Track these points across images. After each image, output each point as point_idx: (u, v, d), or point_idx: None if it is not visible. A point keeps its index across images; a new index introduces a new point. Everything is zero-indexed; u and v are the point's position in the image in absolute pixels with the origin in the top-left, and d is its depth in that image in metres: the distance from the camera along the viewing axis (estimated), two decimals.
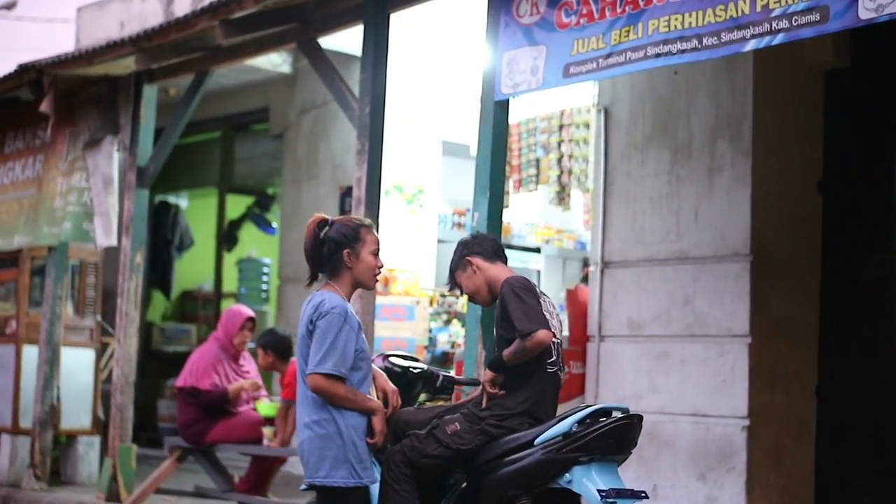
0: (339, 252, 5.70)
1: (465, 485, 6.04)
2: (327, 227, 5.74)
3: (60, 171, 10.94)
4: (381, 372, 6.27)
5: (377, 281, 5.92)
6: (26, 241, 11.37)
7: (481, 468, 5.90)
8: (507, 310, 5.99)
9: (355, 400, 5.61)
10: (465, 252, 6.31)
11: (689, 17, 6.62)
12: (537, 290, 6.16)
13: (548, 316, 6.03)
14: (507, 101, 7.77)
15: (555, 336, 6.03)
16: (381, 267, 5.84)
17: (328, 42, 9.42)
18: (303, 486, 5.85)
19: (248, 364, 9.96)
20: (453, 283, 6.40)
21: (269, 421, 9.51)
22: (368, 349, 5.85)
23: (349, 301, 5.76)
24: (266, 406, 9.55)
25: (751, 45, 6.38)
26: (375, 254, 5.79)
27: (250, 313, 9.92)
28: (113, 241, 10.33)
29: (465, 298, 6.90)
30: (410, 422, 6.15)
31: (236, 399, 9.58)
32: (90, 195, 10.52)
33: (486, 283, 6.26)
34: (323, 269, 5.78)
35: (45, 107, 10.43)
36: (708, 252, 8.93)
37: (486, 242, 6.37)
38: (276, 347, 9.48)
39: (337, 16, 8.79)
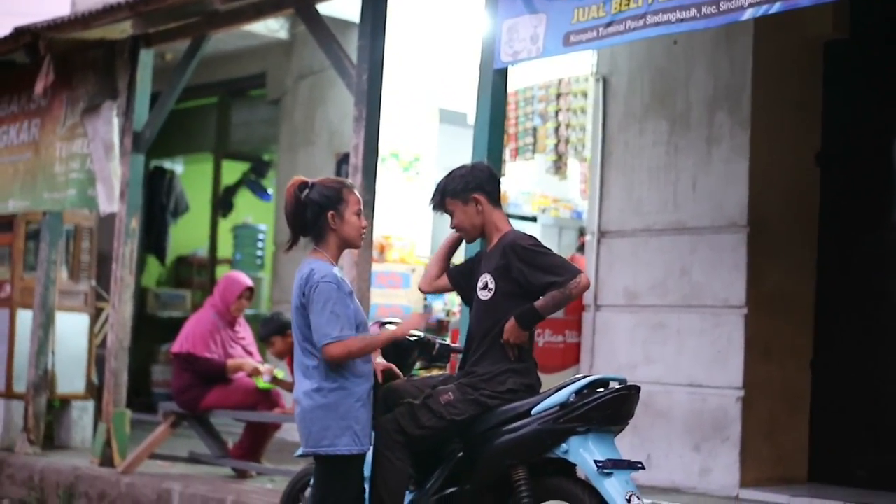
0: (323, 214, 5.64)
1: (460, 454, 6.03)
2: (308, 190, 5.68)
3: (59, 136, 10.90)
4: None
5: (362, 239, 5.86)
6: (24, 205, 11.33)
7: (477, 438, 5.89)
8: (536, 263, 5.90)
9: (373, 342, 5.74)
10: (475, 187, 6.14)
11: None
12: None
13: None
14: (506, 69, 7.73)
15: None
16: (366, 227, 5.81)
17: (326, 8, 9.36)
18: (299, 453, 5.83)
19: (244, 330, 9.95)
20: (443, 206, 6.24)
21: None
22: (364, 315, 5.82)
23: (337, 262, 5.75)
24: (264, 381, 9.55)
25: (748, 14, 6.34)
26: (359, 214, 5.73)
27: (249, 283, 9.90)
28: (115, 208, 10.29)
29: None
30: (402, 393, 6.12)
31: (234, 375, 9.59)
32: (92, 161, 10.49)
33: (483, 224, 6.17)
34: (307, 233, 5.73)
35: (39, 89, 10.41)
36: (705, 223, 8.93)
37: (495, 183, 6.21)
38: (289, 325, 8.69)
39: None
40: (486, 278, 6.05)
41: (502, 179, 6.59)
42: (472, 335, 6.13)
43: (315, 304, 5.54)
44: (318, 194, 5.64)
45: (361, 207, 5.75)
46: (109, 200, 10.27)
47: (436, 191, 6.29)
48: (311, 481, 5.94)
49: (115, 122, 10.35)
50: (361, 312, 5.75)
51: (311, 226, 5.68)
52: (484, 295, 6.06)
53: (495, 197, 6.19)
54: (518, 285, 5.94)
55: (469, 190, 6.14)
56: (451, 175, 6.27)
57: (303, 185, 5.67)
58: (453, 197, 6.17)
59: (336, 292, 5.54)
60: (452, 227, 6.29)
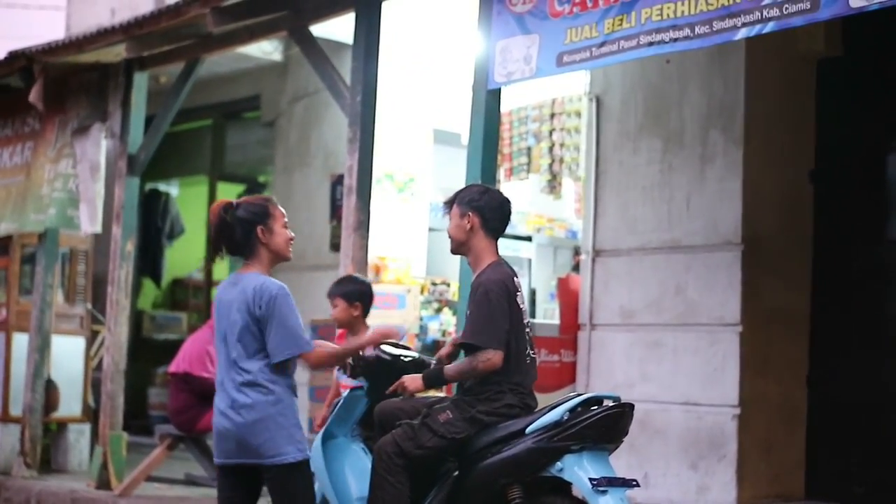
0: (253, 230, 5.72)
1: (456, 473, 6.03)
2: (234, 209, 5.75)
3: (48, 157, 10.91)
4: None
5: (290, 251, 5.92)
6: (13, 227, 11.33)
7: (473, 457, 5.89)
8: (471, 311, 5.98)
9: (347, 349, 6.05)
10: (476, 206, 6.19)
11: (682, 5, 6.61)
12: (514, 282, 6.10)
13: (522, 307, 6.05)
14: (500, 89, 7.75)
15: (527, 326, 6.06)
16: (293, 238, 5.89)
17: (320, 30, 9.39)
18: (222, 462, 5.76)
19: None
20: (449, 207, 6.30)
21: None
22: None
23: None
24: None
25: (742, 34, 6.37)
26: (285, 226, 5.84)
27: None
28: (98, 228, 10.30)
29: (456, 287, 6.85)
30: (397, 414, 6.13)
31: None
32: (76, 182, 10.50)
33: (466, 242, 6.19)
34: (237, 251, 5.79)
35: (33, 97, 10.40)
36: (700, 241, 8.94)
37: (498, 215, 6.23)
38: (364, 298, 7.66)
39: (328, 3, 8.77)
40: (468, 309, 6.13)
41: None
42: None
43: (278, 316, 5.61)
44: (245, 212, 5.74)
45: (286, 219, 5.86)
46: (92, 221, 10.28)
47: (455, 192, 6.38)
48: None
49: (104, 143, 10.37)
50: None
51: (243, 243, 5.75)
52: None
53: (492, 226, 6.18)
54: None
55: (470, 205, 6.17)
56: (470, 187, 6.41)
57: (227, 206, 5.76)
58: (458, 204, 6.22)
59: (293, 303, 5.69)
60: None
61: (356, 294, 7.49)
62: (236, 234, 5.72)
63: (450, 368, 6.03)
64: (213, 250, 5.84)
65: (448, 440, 5.92)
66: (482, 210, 6.16)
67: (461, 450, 5.95)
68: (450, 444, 5.93)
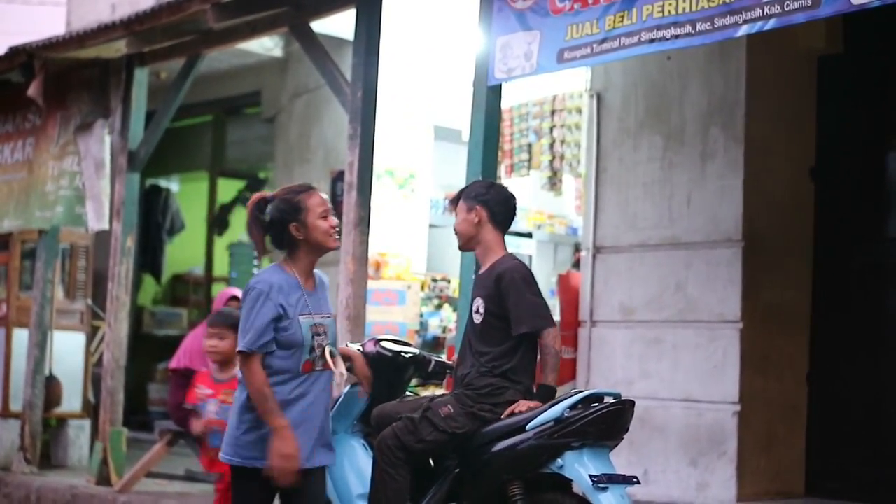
0: (286, 229, 5.48)
1: (457, 470, 6.03)
2: (268, 206, 5.54)
3: (52, 154, 10.91)
4: (360, 355, 6.29)
5: (338, 240, 5.62)
6: (17, 224, 11.34)
7: (473, 453, 5.90)
8: (514, 297, 5.99)
9: (265, 400, 5.30)
10: (483, 200, 6.22)
11: (683, 2, 6.60)
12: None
13: None
14: (500, 86, 7.75)
15: None
16: (336, 226, 5.55)
17: (320, 26, 9.39)
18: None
19: None
20: (454, 204, 6.34)
21: None
22: (302, 336, 5.45)
23: (312, 268, 5.57)
24: None
25: (743, 31, 6.37)
26: (325, 216, 5.51)
27: (236, 292, 9.94)
28: (105, 225, 10.30)
29: (456, 283, 6.87)
30: (394, 416, 6.13)
31: None
32: (82, 179, 10.50)
33: (475, 236, 6.21)
34: (281, 247, 5.57)
35: (32, 91, 10.39)
36: (700, 238, 8.93)
37: (505, 209, 6.28)
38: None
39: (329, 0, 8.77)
40: (478, 302, 6.11)
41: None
42: (464, 353, 6.17)
43: (242, 309, 5.43)
44: (275, 211, 5.51)
45: (327, 207, 5.54)
46: (99, 218, 10.28)
47: (460, 189, 6.39)
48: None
49: (107, 140, 10.37)
50: (299, 333, 5.42)
51: (279, 241, 5.55)
52: (476, 318, 6.11)
53: (499, 220, 6.23)
54: (507, 311, 6.00)
55: (477, 199, 6.19)
56: (476, 183, 6.46)
57: (261, 204, 5.57)
58: (465, 199, 6.24)
59: (260, 300, 5.35)
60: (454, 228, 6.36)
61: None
62: (272, 233, 5.54)
63: (552, 376, 5.99)
64: (256, 248, 5.67)
65: (448, 435, 5.92)
66: (489, 203, 6.20)
67: (462, 446, 5.95)
68: (450, 439, 5.94)
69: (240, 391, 5.45)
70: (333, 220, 5.54)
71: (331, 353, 5.48)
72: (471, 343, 6.13)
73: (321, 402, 5.49)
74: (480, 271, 6.26)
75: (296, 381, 5.39)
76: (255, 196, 5.62)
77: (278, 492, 5.46)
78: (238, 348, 5.36)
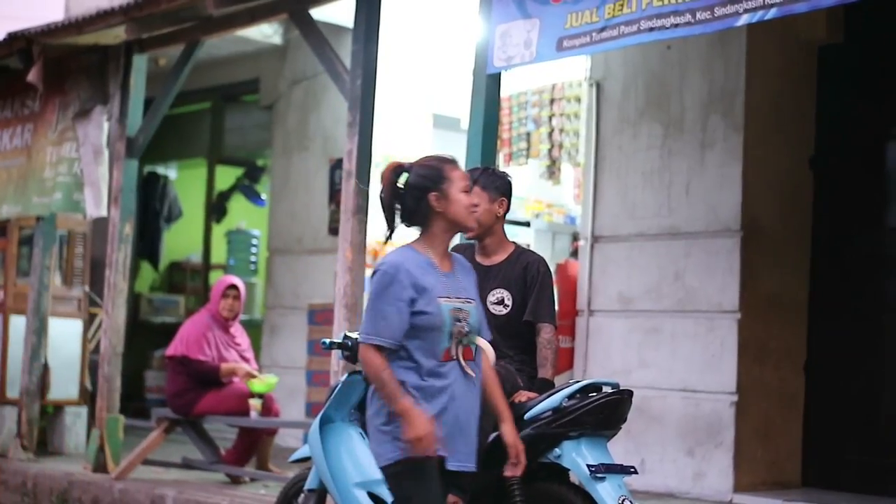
0: (424, 198, 5.02)
1: None
2: (406, 173, 5.10)
3: (50, 140, 10.88)
4: (490, 349, 5.67)
5: (475, 219, 5.23)
6: (15, 211, 11.31)
7: None
8: (538, 291, 6.08)
9: (385, 385, 4.91)
10: (505, 192, 6.26)
11: None
12: None
13: None
14: (500, 74, 7.73)
15: None
16: (477, 205, 5.20)
17: (320, 13, 9.36)
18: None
19: (241, 336, 9.96)
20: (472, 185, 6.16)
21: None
22: (443, 316, 5.02)
23: (447, 249, 5.16)
24: (258, 384, 9.54)
25: (743, 20, 6.33)
26: (466, 191, 5.09)
27: (234, 280, 9.93)
28: (103, 212, 10.28)
29: None
30: None
31: (227, 379, 9.60)
32: (80, 165, 10.48)
33: (492, 227, 6.20)
34: (413, 222, 5.10)
35: (32, 77, 10.36)
36: (699, 227, 8.93)
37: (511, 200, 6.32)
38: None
39: None
40: (501, 294, 6.10)
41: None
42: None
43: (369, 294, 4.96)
44: (416, 177, 5.05)
45: (468, 184, 5.16)
46: (97, 205, 10.26)
47: (476, 170, 6.38)
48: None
49: (106, 126, 10.34)
50: (438, 318, 4.98)
51: (414, 212, 5.06)
52: (499, 310, 6.09)
53: (507, 213, 6.29)
54: (526, 301, 6.07)
55: (499, 191, 6.24)
56: (491, 171, 6.40)
57: (399, 169, 5.11)
58: (488, 190, 6.22)
59: (389, 286, 4.94)
60: None
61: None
62: (407, 202, 5.07)
63: (550, 371, 6.04)
64: (387, 221, 5.15)
65: None
66: (509, 197, 6.26)
67: None
68: None
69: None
70: (474, 198, 5.17)
71: (472, 342, 5.11)
72: (498, 337, 6.05)
73: (468, 399, 5.10)
74: (488, 262, 6.22)
75: (436, 371, 5.01)
76: (392, 162, 5.18)
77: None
78: (360, 339, 5.00)
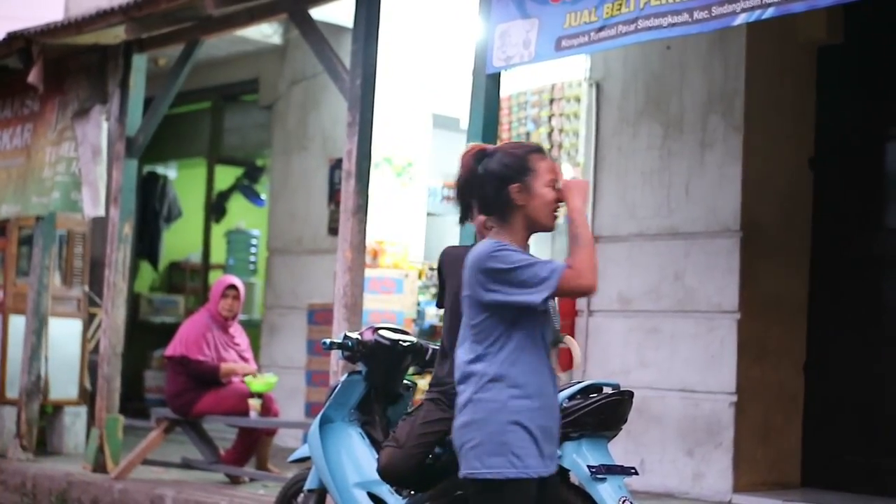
0: (504, 188, 4.53)
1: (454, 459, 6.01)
2: (487, 159, 4.62)
3: (49, 140, 10.88)
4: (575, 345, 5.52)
5: (556, 219, 4.67)
6: (15, 210, 11.31)
7: None
8: None
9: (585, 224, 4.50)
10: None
11: None
12: None
13: None
14: (499, 74, 7.72)
15: None
16: (561, 202, 4.59)
17: (319, 13, 9.36)
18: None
19: (240, 336, 9.96)
20: None
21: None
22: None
23: (527, 245, 4.67)
24: (257, 383, 9.54)
25: (741, 19, 6.32)
26: (552, 186, 4.58)
27: (233, 280, 9.93)
28: (101, 212, 10.28)
29: None
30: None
31: (226, 379, 9.61)
32: (78, 165, 10.48)
33: None
34: (491, 212, 4.61)
35: (32, 78, 10.36)
36: (699, 227, 8.93)
37: None
38: None
39: None
40: None
41: None
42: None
43: (500, 271, 4.43)
44: (498, 163, 4.56)
45: (556, 178, 4.61)
46: (95, 204, 10.26)
47: None
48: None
49: (104, 126, 10.34)
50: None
51: (493, 202, 4.58)
52: None
53: None
54: None
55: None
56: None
57: (481, 153, 4.64)
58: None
59: (520, 254, 4.46)
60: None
61: None
62: (486, 191, 4.59)
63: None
64: (460, 209, 4.75)
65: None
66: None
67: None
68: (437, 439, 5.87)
69: (464, 388, 4.54)
70: (559, 193, 4.62)
71: (560, 339, 4.76)
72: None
73: (554, 397, 4.74)
74: None
75: (540, 362, 4.61)
76: (474, 146, 4.76)
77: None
78: (556, 276, 4.46)
